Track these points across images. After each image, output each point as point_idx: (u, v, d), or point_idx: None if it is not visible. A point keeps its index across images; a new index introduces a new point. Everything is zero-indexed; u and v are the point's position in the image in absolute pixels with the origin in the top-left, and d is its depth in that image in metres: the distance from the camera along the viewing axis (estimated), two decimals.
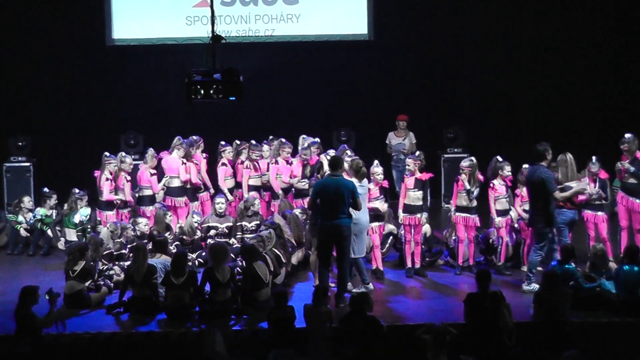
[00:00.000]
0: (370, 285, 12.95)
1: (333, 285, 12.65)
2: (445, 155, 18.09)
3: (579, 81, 18.99)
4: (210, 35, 13.42)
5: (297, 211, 14.19)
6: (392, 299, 12.78)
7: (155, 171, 15.14)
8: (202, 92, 12.80)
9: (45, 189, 15.73)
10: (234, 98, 12.90)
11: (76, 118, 18.98)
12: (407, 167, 13.80)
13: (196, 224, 14.64)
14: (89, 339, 11.27)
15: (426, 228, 14.29)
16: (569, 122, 18.84)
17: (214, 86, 12.77)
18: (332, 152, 14.59)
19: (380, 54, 19.16)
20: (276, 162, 15.29)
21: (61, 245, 15.30)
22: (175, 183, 15.19)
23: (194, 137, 15.66)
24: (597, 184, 13.78)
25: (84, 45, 18.84)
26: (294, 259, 13.62)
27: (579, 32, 18.90)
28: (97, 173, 15.09)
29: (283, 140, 15.53)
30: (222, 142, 15.70)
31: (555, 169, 13.70)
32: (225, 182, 15.45)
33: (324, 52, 19.10)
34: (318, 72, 19.18)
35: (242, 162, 15.52)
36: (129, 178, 15.06)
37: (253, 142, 15.56)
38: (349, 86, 19.19)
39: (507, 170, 13.87)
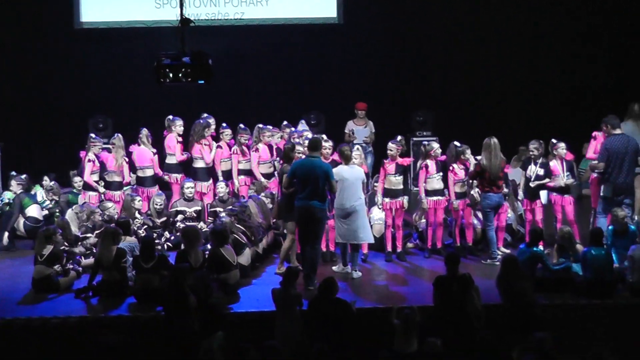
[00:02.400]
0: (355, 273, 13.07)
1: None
2: (414, 139, 18.10)
3: (548, 66, 19.06)
4: (179, 18, 13.37)
5: (262, 195, 14.33)
6: (362, 282, 12.84)
7: (156, 150, 15.37)
8: (171, 75, 12.73)
9: (13, 173, 15.63)
10: (202, 82, 12.86)
11: (44, 101, 18.85)
12: (389, 151, 13.79)
13: (158, 206, 14.70)
14: (58, 323, 11.24)
15: None
16: (537, 105, 18.93)
17: (183, 69, 12.70)
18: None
19: (349, 38, 19.15)
20: (257, 150, 15.24)
21: None
22: (171, 160, 15.37)
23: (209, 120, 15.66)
24: (565, 166, 13.92)
25: (52, 28, 18.72)
26: (263, 243, 13.68)
27: (547, 16, 18.96)
28: (82, 154, 15.22)
29: (261, 125, 15.41)
30: (224, 124, 15.72)
31: (524, 152, 13.84)
32: (221, 165, 15.44)
33: (294, 35, 19.05)
34: (287, 55, 19.15)
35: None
36: (127, 159, 15.18)
37: (241, 125, 15.52)
38: (319, 70, 19.17)
39: (468, 153, 14.00)
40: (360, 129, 17.32)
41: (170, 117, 15.48)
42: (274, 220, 14.06)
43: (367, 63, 19.22)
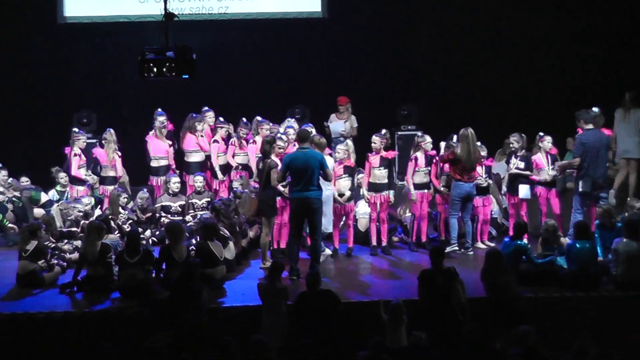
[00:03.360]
0: (327, 250, 13.35)
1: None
2: (399, 133, 18.09)
3: (538, 61, 19.05)
4: (163, 12, 13.35)
5: (247, 190, 14.28)
6: (347, 276, 12.87)
7: (171, 142, 15.54)
8: (155, 70, 12.75)
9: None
10: (187, 76, 12.87)
11: (28, 96, 18.76)
12: (372, 144, 13.84)
13: (140, 203, 14.74)
14: (42, 318, 11.20)
15: None
16: (524, 100, 18.94)
17: (167, 64, 12.73)
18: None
19: (334, 32, 19.12)
20: (255, 142, 15.17)
21: None
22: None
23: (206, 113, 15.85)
24: (549, 160, 13.97)
25: (35, 22, 18.61)
26: (248, 237, 13.69)
27: (536, 9, 18.96)
28: (67, 150, 15.21)
29: (259, 118, 15.39)
30: (221, 119, 15.72)
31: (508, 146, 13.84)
32: (218, 159, 15.43)
33: (278, 30, 19.03)
34: (272, 50, 19.10)
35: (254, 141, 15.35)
36: (119, 154, 15.27)
37: (244, 119, 15.54)
38: (304, 64, 19.15)
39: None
40: (339, 123, 17.30)
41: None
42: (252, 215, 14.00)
43: (352, 57, 19.19)
